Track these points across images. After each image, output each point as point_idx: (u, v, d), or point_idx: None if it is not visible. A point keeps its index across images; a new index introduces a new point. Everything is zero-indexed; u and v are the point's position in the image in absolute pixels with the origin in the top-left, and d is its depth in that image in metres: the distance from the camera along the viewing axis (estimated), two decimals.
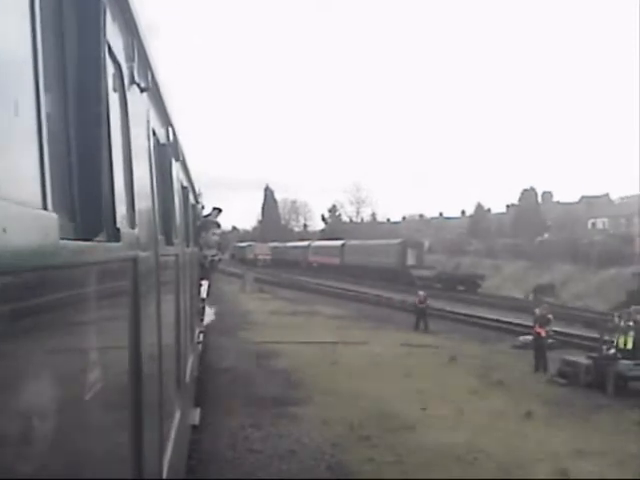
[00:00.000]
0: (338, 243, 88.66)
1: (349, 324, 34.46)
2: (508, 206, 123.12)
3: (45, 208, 1.76)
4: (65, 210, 2.04)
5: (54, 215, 1.77)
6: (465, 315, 37.60)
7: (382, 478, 12.09)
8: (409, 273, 66.81)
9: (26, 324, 1.63)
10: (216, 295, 48.62)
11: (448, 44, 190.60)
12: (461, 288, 59.53)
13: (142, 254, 3.53)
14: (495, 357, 24.66)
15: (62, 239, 1.82)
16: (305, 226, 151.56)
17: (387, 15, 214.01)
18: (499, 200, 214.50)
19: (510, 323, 33.20)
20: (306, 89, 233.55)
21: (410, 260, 70.29)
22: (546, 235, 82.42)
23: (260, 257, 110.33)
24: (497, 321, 34.41)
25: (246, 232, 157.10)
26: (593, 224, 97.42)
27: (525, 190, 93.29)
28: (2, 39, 1.59)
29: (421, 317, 33.01)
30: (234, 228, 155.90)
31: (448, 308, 40.92)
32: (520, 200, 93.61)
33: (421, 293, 34.09)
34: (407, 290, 58.25)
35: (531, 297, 55.22)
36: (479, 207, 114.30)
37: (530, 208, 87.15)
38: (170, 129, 6.30)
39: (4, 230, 1.37)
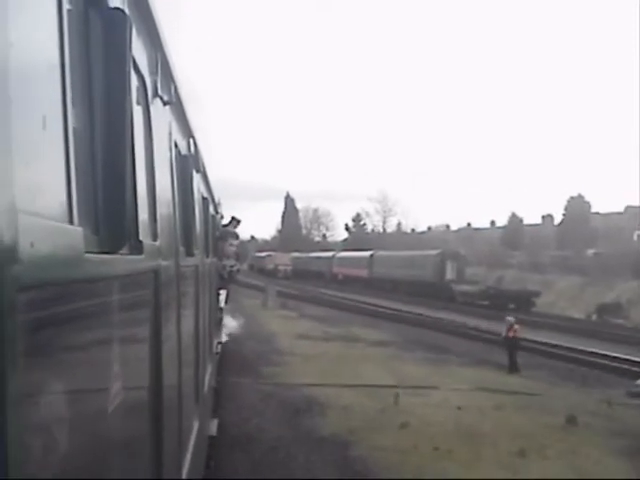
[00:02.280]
0: (366, 254, 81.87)
1: (399, 354, 27.63)
2: (544, 217, 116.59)
3: (71, 222, 1.77)
4: (90, 223, 2.05)
5: (79, 229, 1.78)
6: (541, 344, 30.36)
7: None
8: (449, 288, 59.83)
9: (53, 336, 1.64)
10: (235, 310, 42.34)
11: (475, 44, 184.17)
12: (512, 306, 52.49)
13: (163, 265, 3.51)
14: (622, 415, 17.68)
15: (87, 252, 1.82)
16: (324, 236, 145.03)
17: (404, 13, 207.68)
18: (532, 210, 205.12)
19: (604, 356, 26.31)
20: (330, 95, 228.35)
21: (450, 273, 63.31)
22: (591, 250, 75.01)
23: (280, 267, 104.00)
24: (585, 353, 27.37)
25: (265, 242, 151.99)
26: (639, 235, 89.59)
27: (572, 198, 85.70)
28: (30, 53, 1.60)
29: (513, 352, 24.80)
30: (252, 238, 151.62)
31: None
32: (567, 209, 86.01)
33: (510, 319, 25.96)
34: (447, 307, 51.71)
35: (594, 317, 48.24)
36: (513, 217, 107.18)
37: (578, 218, 79.53)
38: (191, 141, 6.33)
39: (32, 245, 1.39)
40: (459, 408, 17.44)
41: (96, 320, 2.15)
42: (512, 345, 24.75)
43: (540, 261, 70.93)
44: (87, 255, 1.83)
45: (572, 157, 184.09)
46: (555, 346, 29.20)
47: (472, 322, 39.95)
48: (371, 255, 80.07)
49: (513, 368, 24.00)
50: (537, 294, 53.88)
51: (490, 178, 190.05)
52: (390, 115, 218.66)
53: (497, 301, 53.04)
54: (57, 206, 1.71)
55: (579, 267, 63.86)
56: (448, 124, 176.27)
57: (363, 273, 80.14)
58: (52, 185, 1.71)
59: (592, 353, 27.09)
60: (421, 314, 44.87)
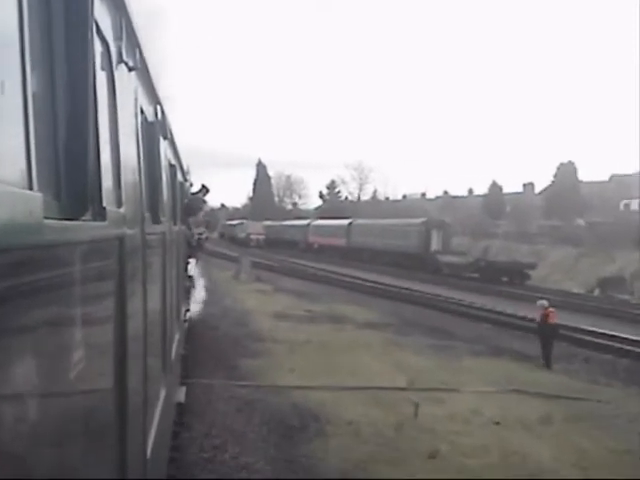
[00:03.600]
0: (344, 222, 77.71)
1: (396, 339, 23.56)
2: (525, 185, 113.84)
3: (30, 187, 1.75)
4: (50, 189, 2.03)
5: (39, 194, 1.75)
6: (568, 328, 24.57)
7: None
8: (435, 259, 55.94)
9: (10, 304, 1.61)
10: (205, 283, 38.01)
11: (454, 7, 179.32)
12: (504, 279, 48.84)
13: (128, 233, 3.46)
14: None
15: (47, 218, 1.79)
16: (295, 204, 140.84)
17: None
18: (511, 179, 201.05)
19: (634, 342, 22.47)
20: (303, 59, 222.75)
21: (435, 244, 59.34)
22: (580, 219, 71.36)
23: (253, 236, 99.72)
24: (619, 340, 23.27)
25: (236, 210, 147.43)
26: (626, 205, 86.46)
27: (562, 164, 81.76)
28: None
29: (549, 342, 20.16)
30: (223, 206, 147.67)
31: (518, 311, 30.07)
32: (556, 176, 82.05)
33: (543, 302, 20.94)
34: (433, 280, 47.80)
35: (597, 292, 44.67)
36: (494, 185, 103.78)
37: (568, 186, 75.62)
38: (158, 107, 6.23)
39: None
40: (497, 423, 13.44)
41: (57, 288, 2.09)
42: (549, 334, 20.23)
43: (528, 231, 67.29)
44: (47, 221, 1.79)
45: (553, 124, 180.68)
46: (586, 332, 24.91)
47: (463, 297, 36.21)
48: (349, 224, 75.92)
49: (548, 362, 19.92)
50: (532, 266, 50.13)
51: (467, 145, 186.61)
52: (366, 80, 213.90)
53: (488, 274, 49.33)
54: (15, 172, 1.68)
55: (570, 237, 60.29)
56: (424, 89, 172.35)
57: (340, 242, 76.08)
58: (11, 150, 1.68)
59: (628, 340, 23.02)
60: (408, 288, 40.90)
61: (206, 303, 30.47)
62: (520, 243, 64.65)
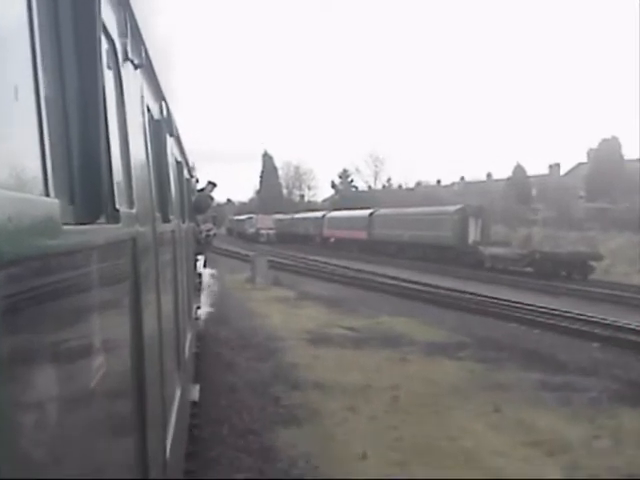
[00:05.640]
0: (364, 213, 70.65)
1: (489, 378, 16.50)
2: (551, 166, 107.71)
3: (47, 194, 1.75)
4: (65, 194, 2.04)
5: (56, 201, 1.75)
6: None
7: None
8: (476, 251, 48.83)
9: (34, 310, 1.62)
10: (214, 290, 30.78)
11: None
12: (563, 274, 41.82)
13: (141, 232, 3.46)
14: None
15: (64, 224, 1.80)
16: (302, 196, 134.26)
17: None
18: (532, 160, 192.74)
19: None
20: (309, 48, 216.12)
21: (473, 234, 52.19)
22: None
23: (263, 231, 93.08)
24: None
25: (242, 204, 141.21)
26: None
27: (604, 140, 74.22)
28: None
29: None
30: (229, 201, 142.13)
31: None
32: (598, 152, 74.41)
33: None
34: (477, 277, 40.96)
35: None
36: (518, 168, 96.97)
37: (612, 164, 68.08)
38: (164, 104, 6.22)
39: (9, 219, 1.38)
40: None
41: (76, 291, 2.12)
42: None
43: (573, 215, 60.00)
44: (65, 227, 1.80)
45: (570, 102, 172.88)
46: None
47: (524, 299, 29.26)
48: (371, 214, 68.82)
49: None
50: (598, 257, 43.00)
51: (482, 129, 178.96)
52: (374, 67, 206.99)
53: (545, 267, 42.20)
54: (32, 178, 1.69)
55: (625, 221, 53.05)
56: (435, 72, 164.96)
57: (361, 235, 69.08)
58: (27, 157, 1.69)
59: None
60: (457, 290, 33.94)
61: (217, 322, 23.49)
62: (565, 230, 57.38)
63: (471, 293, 32.18)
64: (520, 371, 17.14)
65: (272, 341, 20.80)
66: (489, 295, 31.06)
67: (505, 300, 29.05)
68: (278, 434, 12.05)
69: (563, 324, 23.02)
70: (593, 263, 42.41)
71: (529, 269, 43.53)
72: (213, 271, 24.95)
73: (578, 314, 24.52)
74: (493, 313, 26.14)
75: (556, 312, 25.26)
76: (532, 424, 12.60)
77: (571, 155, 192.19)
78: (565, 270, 41.97)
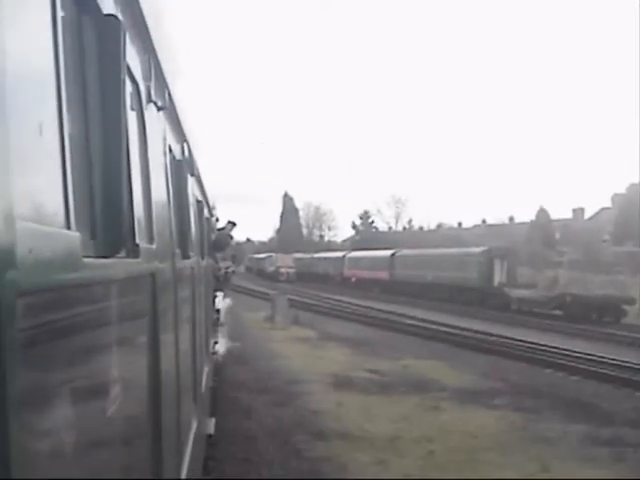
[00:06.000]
0: (386, 253, 69.48)
1: (529, 430, 15.05)
2: (575, 210, 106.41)
3: (68, 227, 1.76)
4: (87, 228, 2.06)
5: (77, 234, 1.77)
6: None
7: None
8: (502, 294, 47.32)
9: (53, 341, 1.63)
10: (232, 329, 29.41)
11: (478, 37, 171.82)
12: (593, 317, 40.21)
13: (160, 268, 3.52)
14: None
15: (85, 257, 1.82)
16: (321, 237, 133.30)
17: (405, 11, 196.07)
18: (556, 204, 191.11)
19: None
20: (328, 91, 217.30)
21: (499, 275, 50.67)
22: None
23: (282, 270, 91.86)
24: None
25: (262, 244, 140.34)
26: None
27: (632, 185, 72.80)
28: (26, 61, 1.59)
29: None
30: (248, 240, 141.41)
31: None
32: (626, 196, 72.95)
33: None
34: (504, 320, 39.62)
35: None
36: (542, 211, 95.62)
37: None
38: (185, 145, 6.29)
39: (30, 251, 1.39)
40: None
41: (95, 324, 2.13)
42: None
43: (600, 258, 58.24)
44: (85, 260, 1.82)
45: (593, 147, 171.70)
46: None
47: (558, 343, 27.84)
48: (392, 254, 67.55)
49: None
50: (631, 301, 41.41)
51: (504, 172, 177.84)
52: (391, 108, 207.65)
53: (575, 310, 40.64)
54: (54, 212, 1.70)
55: None
56: (456, 114, 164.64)
57: (383, 276, 67.74)
58: (49, 191, 1.70)
59: None
60: (482, 331, 32.55)
61: (234, 361, 22.21)
62: (592, 273, 55.58)
63: (499, 336, 30.66)
64: (564, 423, 15.69)
65: (292, 384, 19.47)
66: (519, 338, 29.56)
67: (536, 344, 27.54)
68: None
69: (603, 371, 21.49)
70: (626, 307, 40.76)
71: (558, 312, 41.93)
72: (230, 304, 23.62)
73: (618, 360, 23.00)
74: (526, 358, 24.60)
75: (594, 358, 23.75)
76: None
77: (594, 200, 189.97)
78: (596, 314, 40.33)
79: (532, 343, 27.72)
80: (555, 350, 25.56)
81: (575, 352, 25.00)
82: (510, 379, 21.09)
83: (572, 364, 22.67)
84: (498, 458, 12.68)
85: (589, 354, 24.51)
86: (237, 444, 12.89)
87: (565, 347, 26.43)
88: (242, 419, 14.87)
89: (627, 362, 22.73)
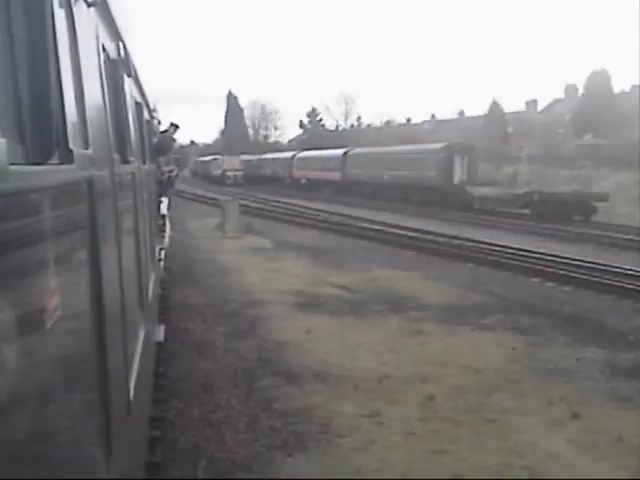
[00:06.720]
0: (337, 152, 66.41)
1: (539, 360, 12.81)
2: (527, 102, 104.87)
3: None
4: (14, 134, 1.92)
5: (2, 140, 1.63)
6: None
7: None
8: (464, 193, 45.10)
9: None
10: (177, 241, 26.52)
11: None
12: (562, 215, 38.29)
13: (97, 174, 3.23)
14: None
15: (12, 164, 1.69)
16: (266, 137, 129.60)
17: None
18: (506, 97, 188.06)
19: None
20: None
21: (459, 173, 48.31)
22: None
23: (229, 173, 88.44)
24: None
25: (207, 146, 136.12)
26: None
27: (594, 73, 70.21)
28: None
29: None
30: (192, 142, 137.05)
31: None
32: (586, 87, 70.50)
33: None
34: (467, 220, 37.46)
35: None
36: (495, 104, 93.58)
37: (602, 98, 64.17)
38: (121, 44, 5.78)
39: None
40: None
41: (29, 235, 2.01)
42: None
43: (561, 153, 56.34)
44: (12, 167, 1.70)
45: (544, 35, 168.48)
46: None
47: (536, 245, 25.87)
48: (345, 153, 64.49)
49: None
50: (604, 197, 39.47)
51: (452, 67, 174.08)
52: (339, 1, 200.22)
53: (542, 209, 38.61)
54: None
55: (620, 158, 49.53)
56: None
57: (334, 176, 64.90)
58: None
59: None
60: (450, 235, 30.31)
61: (182, 280, 19.49)
62: (554, 168, 53.73)
63: (470, 240, 28.34)
64: (573, 347, 13.42)
65: (249, 306, 16.78)
66: (491, 242, 27.30)
67: (512, 247, 25.30)
68: (277, 467, 8.21)
69: (594, 279, 19.30)
70: (594, 204, 38.93)
71: (525, 211, 39.93)
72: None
73: (609, 265, 20.83)
74: (507, 265, 22.30)
75: (581, 264, 21.54)
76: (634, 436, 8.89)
77: (546, 92, 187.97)
78: (568, 211, 38.40)
79: (508, 247, 25.38)
80: (538, 256, 23.25)
81: (560, 257, 22.75)
82: (495, 291, 18.81)
83: (562, 272, 20.37)
84: (513, 401, 10.31)
85: (577, 259, 22.26)
86: (193, 397, 10.31)
87: (546, 251, 24.21)
88: (196, 360, 12.25)
89: (615, 267, 20.53)
